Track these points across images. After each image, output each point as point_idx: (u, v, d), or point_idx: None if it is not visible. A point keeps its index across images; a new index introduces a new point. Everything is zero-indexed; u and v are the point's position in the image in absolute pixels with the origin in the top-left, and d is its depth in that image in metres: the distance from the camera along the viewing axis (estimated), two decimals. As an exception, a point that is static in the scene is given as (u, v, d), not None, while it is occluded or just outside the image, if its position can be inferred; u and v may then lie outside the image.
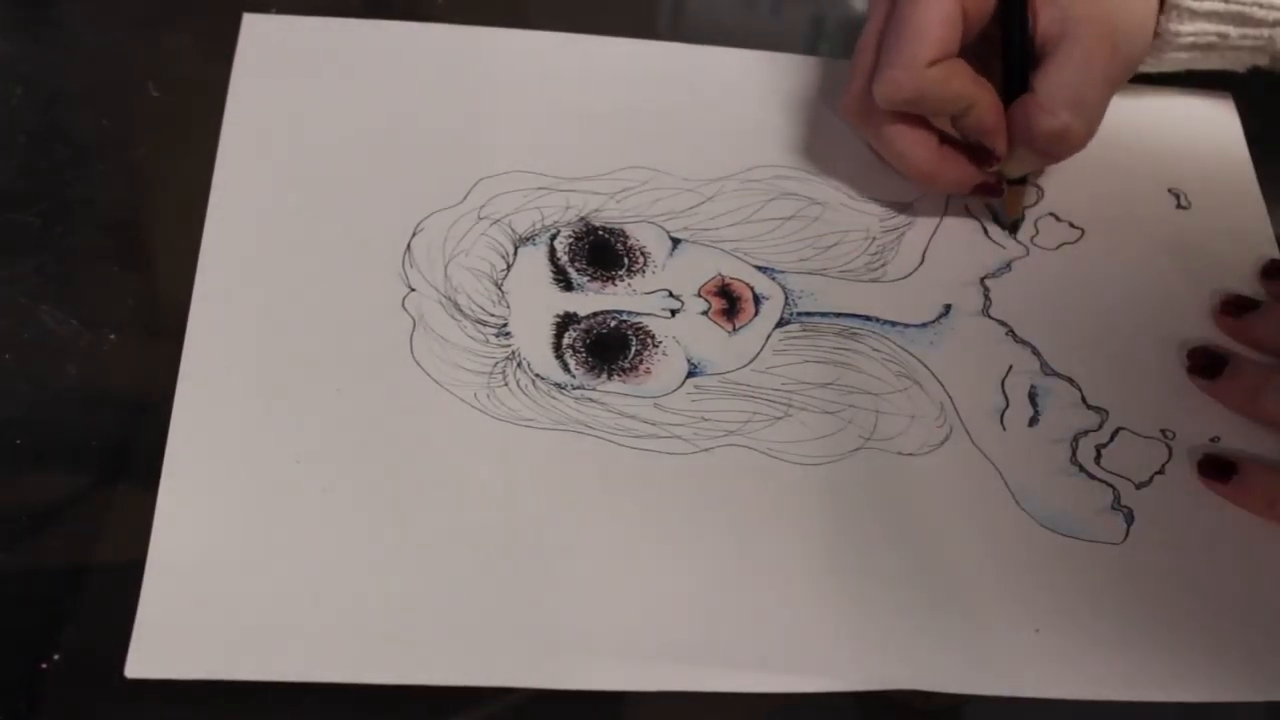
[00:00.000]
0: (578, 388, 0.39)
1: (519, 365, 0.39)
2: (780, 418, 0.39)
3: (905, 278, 0.43)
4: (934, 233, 0.44)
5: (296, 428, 0.37)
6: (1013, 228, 0.44)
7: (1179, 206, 0.46)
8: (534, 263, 0.41)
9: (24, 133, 0.43)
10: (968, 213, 0.44)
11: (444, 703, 0.34)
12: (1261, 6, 0.42)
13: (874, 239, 0.43)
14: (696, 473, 0.38)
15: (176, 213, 0.41)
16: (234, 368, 0.38)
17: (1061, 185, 0.45)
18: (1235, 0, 0.42)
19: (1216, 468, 0.39)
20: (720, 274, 0.42)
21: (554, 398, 0.39)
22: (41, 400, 0.37)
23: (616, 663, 0.34)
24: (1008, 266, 0.43)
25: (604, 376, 0.39)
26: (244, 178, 0.42)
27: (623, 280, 0.41)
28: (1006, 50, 0.41)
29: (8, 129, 0.43)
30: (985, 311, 0.42)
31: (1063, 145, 0.40)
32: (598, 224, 0.43)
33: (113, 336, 0.39)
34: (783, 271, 0.42)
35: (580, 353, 0.40)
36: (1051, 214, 0.45)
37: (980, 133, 0.40)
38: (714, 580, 0.36)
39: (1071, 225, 0.45)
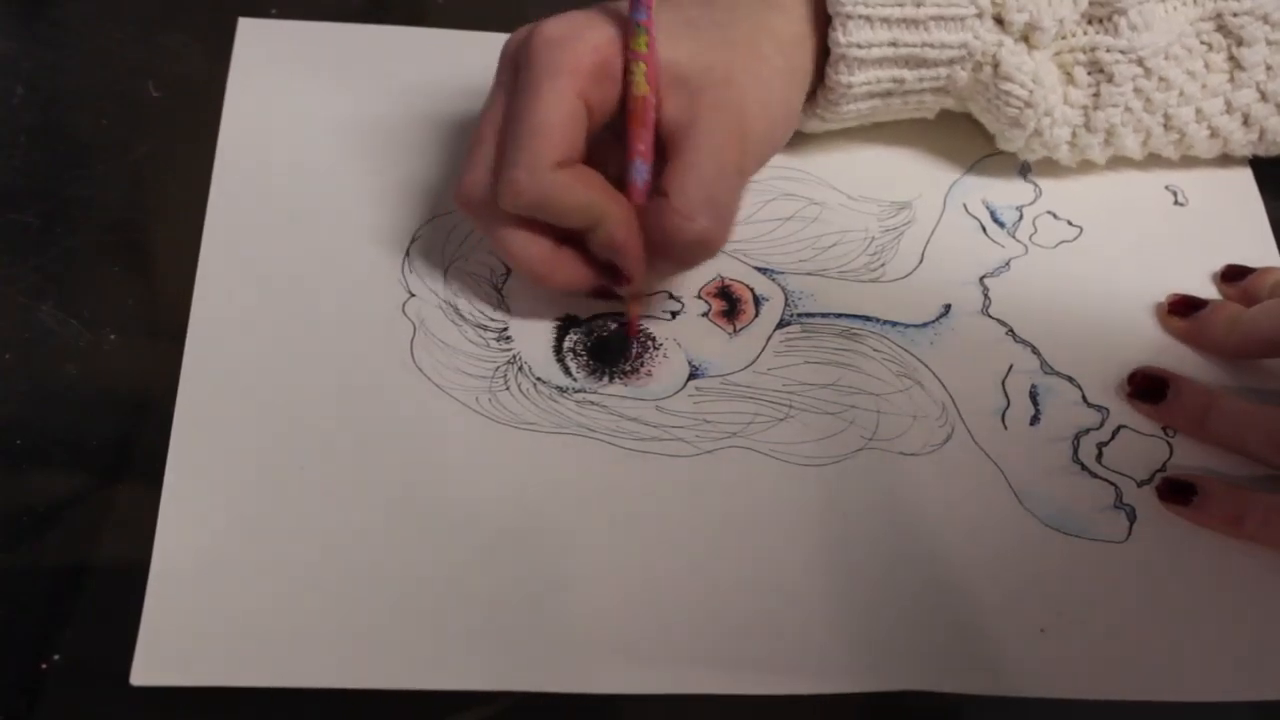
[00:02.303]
0: (579, 391, 0.39)
1: (520, 369, 0.39)
2: (782, 419, 0.39)
3: (905, 277, 0.43)
4: (933, 232, 0.44)
5: (298, 434, 0.37)
6: (630, 331, 0.40)
7: (1176, 203, 0.46)
8: (534, 265, 0.41)
9: (24, 133, 0.43)
10: (966, 212, 0.45)
11: (445, 704, 0.33)
12: (933, 46, 0.40)
13: (873, 239, 0.43)
14: (699, 475, 0.38)
15: (176, 213, 0.41)
16: (235, 375, 0.38)
17: (1059, 183, 0.45)
18: (904, 44, 0.39)
19: (1177, 490, 0.38)
20: (720, 275, 0.42)
21: (555, 401, 0.39)
22: (41, 400, 0.37)
23: (619, 666, 0.34)
24: (1006, 265, 0.43)
25: (605, 379, 0.39)
26: (242, 185, 0.42)
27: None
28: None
29: (8, 129, 0.43)
30: (985, 311, 0.42)
31: (701, 252, 0.36)
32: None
33: (113, 336, 0.39)
34: (782, 272, 0.42)
35: (581, 356, 0.40)
36: (1050, 212, 0.45)
37: (612, 250, 0.36)
38: (716, 583, 0.36)
39: (1070, 223, 0.45)
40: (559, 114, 0.35)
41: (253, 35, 0.46)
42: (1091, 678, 0.35)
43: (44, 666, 0.33)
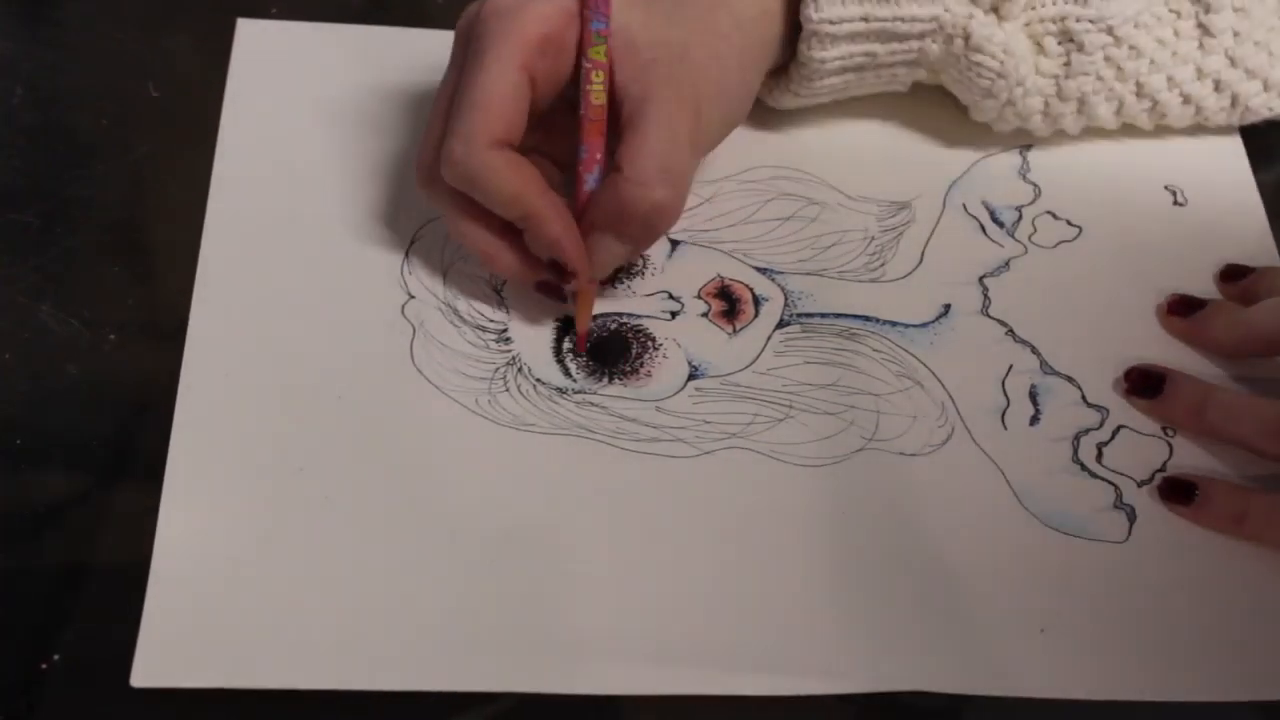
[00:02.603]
0: (579, 392, 0.39)
1: (520, 370, 0.39)
2: (782, 419, 0.39)
3: (904, 277, 0.43)
4: (932, 232, 0.44)
5: (298, 436, 0.37)
6: (578, 346, 0.40)
7: (1176, 203, 0.46)
8: (533, 266, 0.42)
9: (24, 133, 0.43)
10: (965, 212, 0.45)
11: (445, 704, 0.33)
12: (904, 21, 0.40)
13: (872, 239, 0.43)
14: (699, 476, 0.38)
15: (176, 213, 0.41)
16: (234, 376, 0.38)
17: (1059, 183, 0.45)
18: (875, 18, 0.40)
19: (1178, 490, 0.38)
20: (720, 275, 0.42)
21: (555, 402, 0.39)
22: (41, 400, 0.37)
23: (619, 667, 0.34)
24: (1006, 265, 0.43)
25: (605, 380, 0.39)
26: (241, 185, 0.42)
27: (622, 283, 0.41)
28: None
29: (8, 129, 0.43)
30: (984, 311, 0.42)
31: (658, 221, 0.36)
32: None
33: (113, 336, 0.39)
34: (782, 272, 0.42)
35: (581, 356, 0.40)
36: (1049, 212, 0.45)
37: (549, 247, 0.37)
38: (717, 583, 0.36)
39: (1069, 223, 0.45)
40: (500, 87, 0.35)
41: (252, 36, 0.46)
42: (1091, 678, 0.35)
43: (44, 666, 0.33)
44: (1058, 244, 0.44)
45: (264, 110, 0.44)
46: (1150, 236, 0.45)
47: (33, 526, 0.35)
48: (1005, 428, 0.40)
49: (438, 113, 0.37)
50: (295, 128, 0.44)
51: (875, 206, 0.44)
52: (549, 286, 0.38)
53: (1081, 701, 0.35)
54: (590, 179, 0.37)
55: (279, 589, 0.34)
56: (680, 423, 0.39)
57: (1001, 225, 0.44)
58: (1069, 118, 0.44)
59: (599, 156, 0.37)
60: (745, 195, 0.44)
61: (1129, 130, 0.46)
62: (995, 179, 0.45)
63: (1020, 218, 0.45)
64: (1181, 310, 0.42)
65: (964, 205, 0.45)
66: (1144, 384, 0.40)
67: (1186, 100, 0.44)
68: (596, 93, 0.36)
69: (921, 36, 0.41)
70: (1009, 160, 0.46)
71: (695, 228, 0.43)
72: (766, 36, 0.40)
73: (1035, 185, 0.46)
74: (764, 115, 0.45)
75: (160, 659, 0.33)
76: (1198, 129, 0.46)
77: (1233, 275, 0.43)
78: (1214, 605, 0.37)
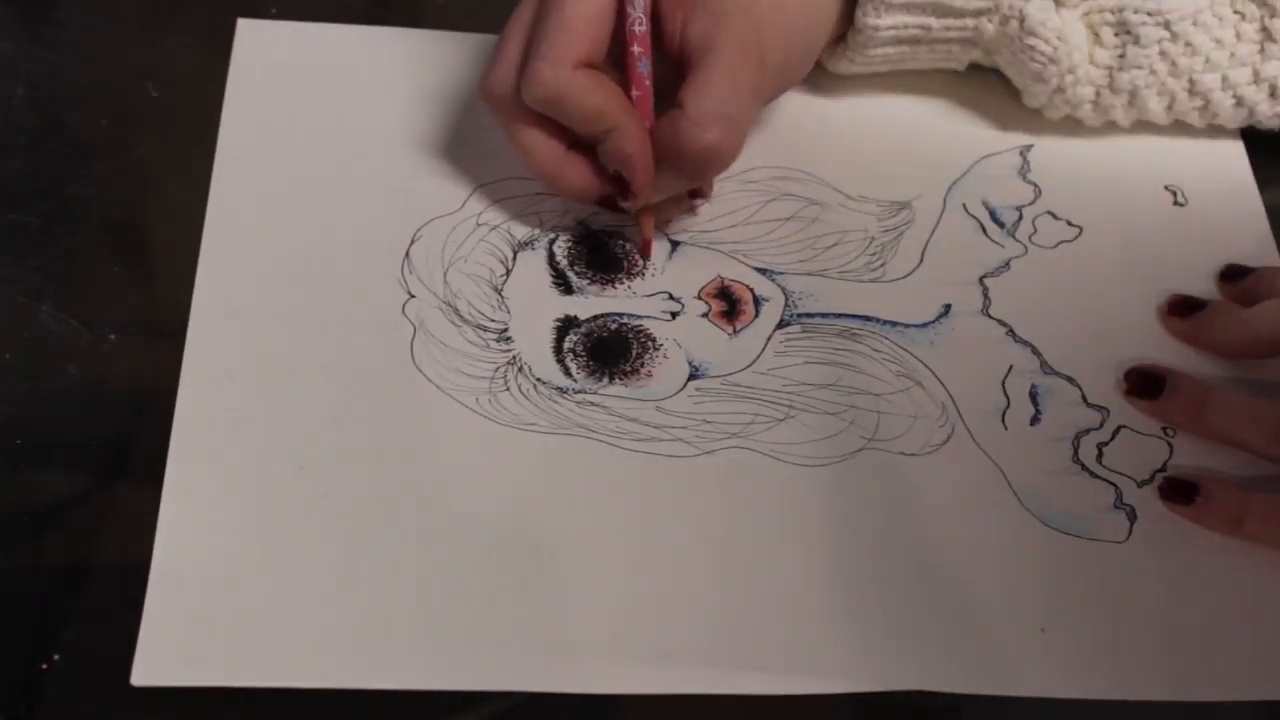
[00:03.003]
0: (579, 391, 0.39)
1: (520, 370, 0.39)
2: (782, 419, 0.39)
3: (904, 277, 0.43)
4: (933, 232, 0.44)
5: (298, 434, 0.37)
6: (643, 252, 0.42)
7: (1176, 203, 0.46)
8: (533, 267, 0.41)
9: (24, 133, 0.43)
10: (966, 212, 0.45)
11: (445, 704, 0.33)
12: None
13: (873, 239, 0.43)
14: (699, 475, 0.38)
15: (176, 213, 0.41)
16: (234, 376, 0.38)
17: (1059, 183, 0.45)
18: None
19: (1178, 490, 0.38)
20: (720, 276, 0.42)
21: (556, 402, 0.39)
22: (41, 400, 0.37)
23: (618, 666, 0.34)
24: (1006, 265, 0.43)
25: (605, 380, 0.39)
26: (241, 186, 0.42)
27: (622, 283, 0.41)
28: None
29: (8, 129, 0.43)
30: (985, 311, 0.42)
31: (712, 162, 0.38)
32: (596, 227, 0.43)
33: (113, 336, 0.39)
34: (782, 272, 0.42)
35: (581, 356, 0.40)
36: (1049, 212, 0.45)
37: (621, 162, 0.38)
38: (717, 583, 0.36)
39: (1069, 223, 0.45)
40: (586, 10, 0.37)
41: (251, 36, 0.46)
42: (1092, 678, 0.35)
43: (44, 666, 0.33)
44: (1058, 244, 0.44)
45: (264, 110, 0.44)
46: (1150, 237, 0.45)
47: (33, 526, 0.35)
48: (1005, 428, 0.40)
49: (512, 34, 0.39)
50: (295, 128, 0.43)
51: (875, 207, 0.44)
52: (607, 200, 0.40)
53: (1082, 701, 0.35)
54: (640, 64, 0.39)
55: (278, 588, 0.34)
56: (681, 422, 0.39)
57: (1002, 225, 0.44)
58: (1119, 109, 0.44)
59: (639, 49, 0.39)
60: (746, 195, 0.44)
61: (1134, 127, 0.46)
62: (995, 179, 0.45)
63: (1020, 218, 0.45)
64: (1181, 311, 0.42)
65: (964, 205, 0.45)
66: (1144, 385, 0.40)
67: (1239, 103, 0.44)
68: (639, 20, 0.39)
69: (977, 14, 0.41)
70: (1009, 160, 0.46)
71: (695, 228, 0.43)
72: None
73: (1035, 185, 0.45)
74: (764, 117, 0.46)
75: (160, 658, 0.33)
76: (1218, 130, 0.46)
77: (1233, 276, 0.43)
78: (1214, 605, 0.37)
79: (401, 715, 0.33)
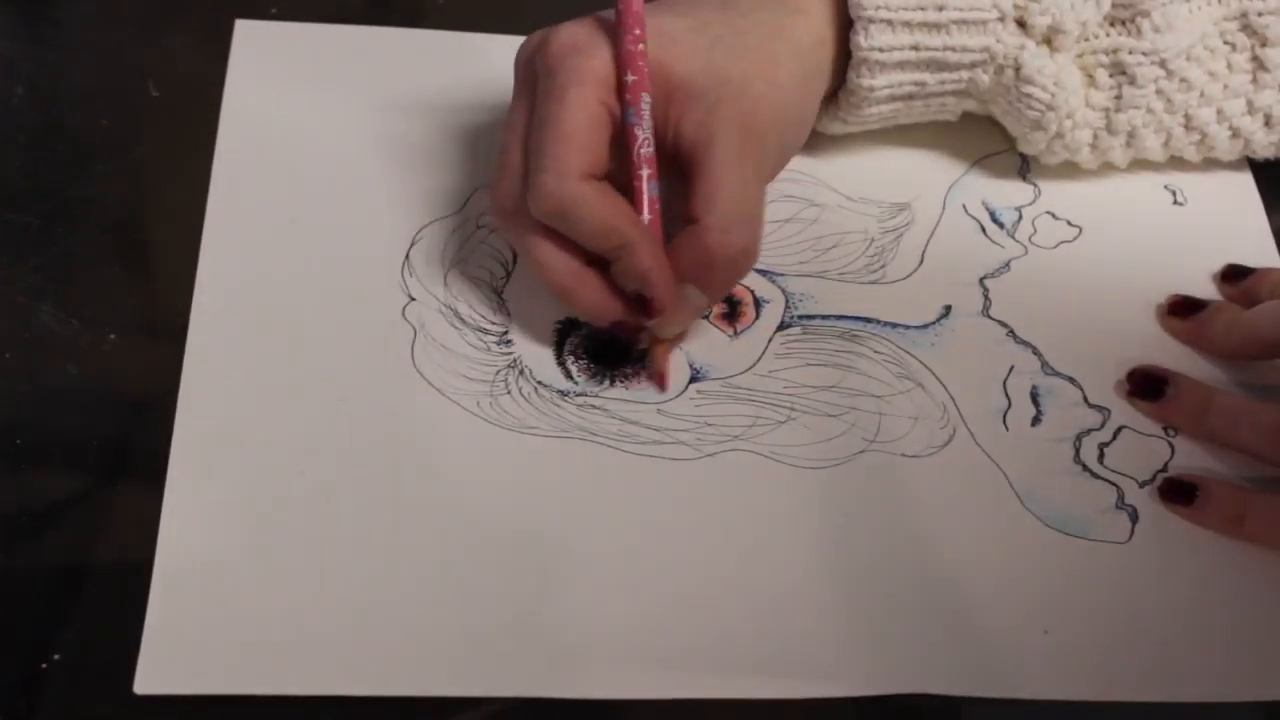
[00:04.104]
0: (580, 394, 0.39)
1: (521, 373, 0.39)
2: (784, 421, 0.39)
3: (905, 279, 0.43)
4: (932, 233, 0.44)
5: (300, 439, 0.37)
6: (659, 385, 0.39)
7: (1175, 203, 0.46)
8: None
9: (24, 133, 0.43)
10: (965, 213, 0.45)
11: (447, 708, 0.33)
12: (954, 50, 0.40)
13: (873, 240, 0.43)
14: (701, 478, 0.38)
15: (176, 213, 0.41)
16: (235, 380, 0.38)
17: (1058, 183, 0.46)
18: (925, 48, 0.39)
19: (1178, 490, 0.38)
20: (721, 276, 0.42)
21: (557, 405, 0.39)
22: (41, 400, 0.37)
23: (620, 671, 0.34)
24: (1006, 266, 0.43)
25: (606, 383, 0.39)
26: (241, 187, 0.42)
27: None
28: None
29: (8, 129, 0.43)
30: (985, 312, 0.42)
31: (746, 266, 0.37)
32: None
33: (113, 336, 0.39)
34: (782, 274, 0.42)
35: (582, 359, 0.40)
36: (1049, 212, 0.45)
37: (639, 279, 0.36)
38: (719, 585, 0.36)
39: (1069, 224, 0.45)
40: (584, 119, 0.35)
41: (250, 37, 0.46)
42: (1095, 679, 0.35)
43: (44, 667, 0.33)
44: (1058, 244, 0.44)
45: (263, 112, 0.44)
46: (1150, 237, 0.45)
47: (33, 526, 0.35)
48: (1007, 429, 0.40)
49: (511, 146, 0.37)
50: (295, 129, 0.43)
51: (875, 208, 0.44)
52: (625, 326, 0.38)
53: (1085, 703, 0.35)
54: (648, 186, 0.37)
55: (279, 594, 0.34)
56: (682, 425, 0.39)
57: (1001, 226, 0.44)
58: (1117, 150, 0.43)
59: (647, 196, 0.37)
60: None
61: (1130, 166, 0.45)
62: (995, 180, 0.46)
63: (1020, 218, 0.45)
64: (1181, 311, 0.42)
65: (964, 206, 0.45)
66: (1146, 386, 0.40)
67: (1235, 134, 0.44)
68: (647, 142, 0.36)
69: (972, 66, 0.40)
70: (1008, 161, 0.46)
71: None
72: (822, 63, 0.40)
73: (1035, 186, 0.46)
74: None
75: (162, 665, 0.33)
76: (1213, 164, 0.46)
77: (1233, 276, 0.43)
78: (1216, 605, 0.37)
79: (402, 717, 0.33)
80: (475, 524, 0.36)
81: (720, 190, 0.35)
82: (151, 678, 0.32)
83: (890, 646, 0.35)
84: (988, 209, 0.45)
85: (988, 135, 0.46)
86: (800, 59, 0.39)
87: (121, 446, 0.36)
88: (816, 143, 0.45)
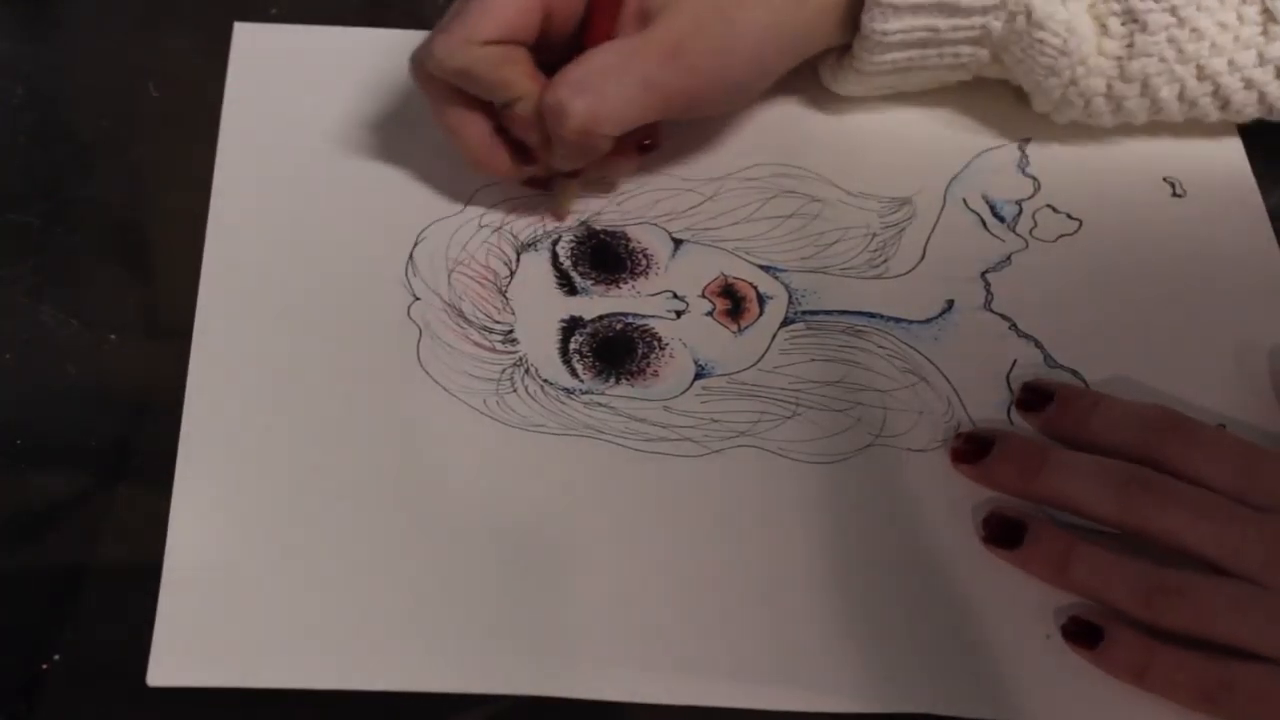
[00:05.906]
0: (586, 392, 0.39)
1: (527, 371, 0.39)
2: (789, 417, 0.39)
3: (907, 273, 0.43)
4: (934, 228, 0.44)
5: (307, 438, 0.37)
6: (555, 216, 0.42)
7: (1175, 195, 0.46)
8: (537, 268, 0.41)
9: (24, 133, 0.43)
10: (966, 207, 0.45)
11: (451, 704, 0.33)
12: None
13: (874, 235, 0.44)
14: (709, 475, 0.37)
15: (177, 213, 0.41)
16: (241, 380, 0.38)
17: (1058, 177, 0.46)
18: None
19: (1082, 632, 0.34)
20: (723, 274, 0.42)
21: (563, 403, 0.38)
22: (41, 400, 0.37)
23: (627, 672, 0.34)
24: (1008, 260, 0.43)
25: (612, 380, 0.39)
26: (242, 190, 0.42)
27: (627, 283, 0.41)
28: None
29: (8, 129, 0.43)
30: (987, 306, 0.42)
31: (558, 121, 0.37)
32: (599, 227, 0.43)
33: (113, 336, 0.38)
34: (785, 270, 0.42)
35: (587, 357, 0.40)
36: (1049, 206, 0.45)
37: (520, 128, 0.39)
38: (728, 586, 0.35)
39: (1069, 217, 0.45)
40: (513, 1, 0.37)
41: (249, 40, 0.46)
42: (1095, 680, 0.35)
43: (44, 667, 0.33)
44: (1058, 237, 0.44)
45: (264, 114, 0.44)
46: (1150, 228, 0.45)
47: (33, 526, 0.35)
48: (1011, 422, 0.40)
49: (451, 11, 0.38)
50: (296, 129, 0.43)
51: (876, 203, 0.44)
52: (536, 181, 0.41)
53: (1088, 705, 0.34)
54: None
55: (287, 589, 0.34)
56: (689, 422, 0.39)
57: (1002, 220, 0.44)
58: (1133, 100, 0.43)
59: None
60: (747, 193, 0.44)
61: (1146, 126, 0.45)
62: (995, 173, 0.45)
63: (1021, 212, 0.45)
64: (969, 456, 0.38)
65: (964, 200, 0.45)
66: (1002, 533, 0.36)
67: (1249, 85, 0.43)
68: None
69: (984, 11, 0.41)
70: (1008, 154, 0.46)
71: (697, 226, 0.43)
72: (803, 22, 0.41)
73: (1035, 179, 0.46)
74: (764, 114, 0.46)
75: (175, 658, 0.33)
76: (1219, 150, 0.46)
77: (1031, 403, 0.39)
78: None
79: (405, 714, 0.33)
80: (482, 522, 0.36)
81: (588, 57, 0.37)
82: (165, 669, 0.32)
83: (896, 658, 0.35)
84: (988, 203, 0.45)
85: (988, 129, 0.46)
86: (770, 6, 0.40)
87: (121, 447, 0.36)
88: (817, 137, 0.45)
